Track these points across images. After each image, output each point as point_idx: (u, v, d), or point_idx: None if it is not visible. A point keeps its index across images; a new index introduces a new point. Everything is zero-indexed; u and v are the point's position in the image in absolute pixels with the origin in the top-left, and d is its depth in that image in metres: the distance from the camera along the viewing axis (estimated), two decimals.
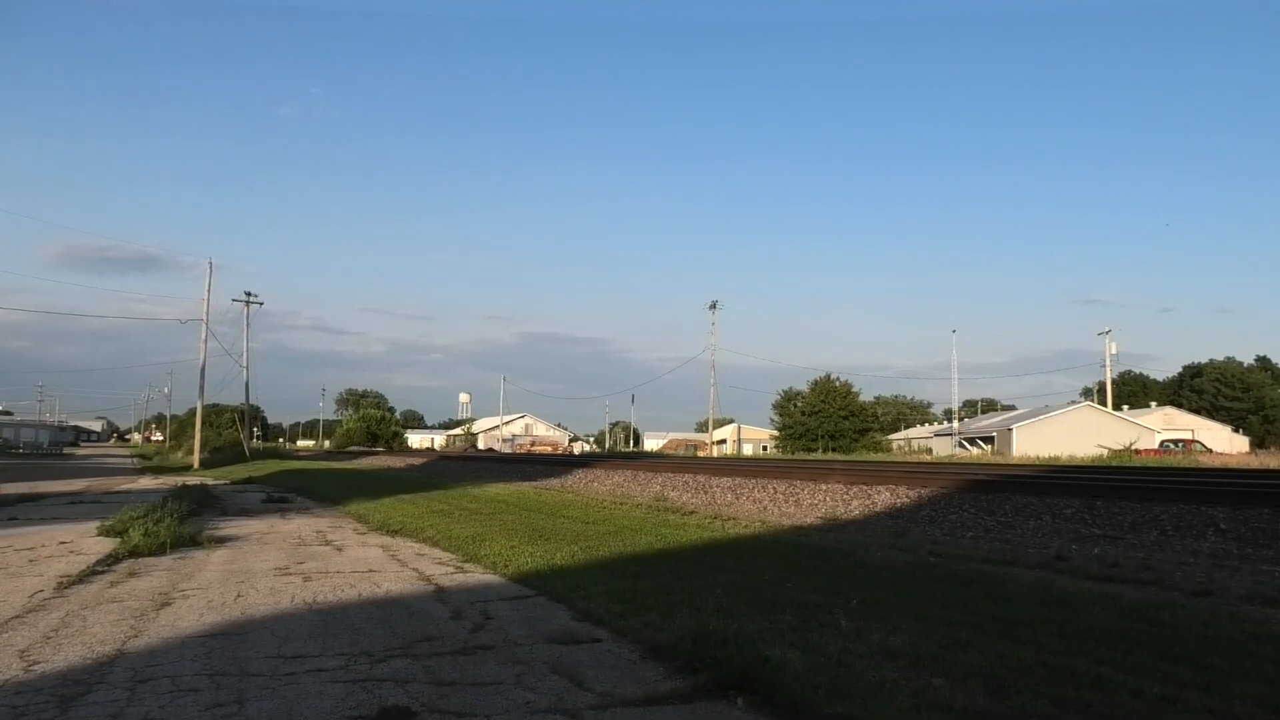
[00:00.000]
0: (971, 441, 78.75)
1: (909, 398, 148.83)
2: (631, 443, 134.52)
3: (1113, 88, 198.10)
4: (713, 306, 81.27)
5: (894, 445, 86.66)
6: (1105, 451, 49.04)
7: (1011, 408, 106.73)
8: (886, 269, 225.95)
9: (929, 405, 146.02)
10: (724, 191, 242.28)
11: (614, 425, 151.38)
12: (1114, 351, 76.31)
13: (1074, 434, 64.93)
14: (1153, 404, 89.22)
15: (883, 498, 14.63)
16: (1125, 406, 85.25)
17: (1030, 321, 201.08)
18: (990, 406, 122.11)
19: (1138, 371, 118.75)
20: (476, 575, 8.39)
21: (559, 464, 31.72)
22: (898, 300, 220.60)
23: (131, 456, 69.46)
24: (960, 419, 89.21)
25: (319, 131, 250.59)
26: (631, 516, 14.24)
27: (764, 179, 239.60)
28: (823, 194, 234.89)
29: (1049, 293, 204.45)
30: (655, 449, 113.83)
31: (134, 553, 9.77)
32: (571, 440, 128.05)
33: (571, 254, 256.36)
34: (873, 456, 62.86)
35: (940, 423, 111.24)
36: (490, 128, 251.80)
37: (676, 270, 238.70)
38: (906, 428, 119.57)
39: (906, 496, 14.47)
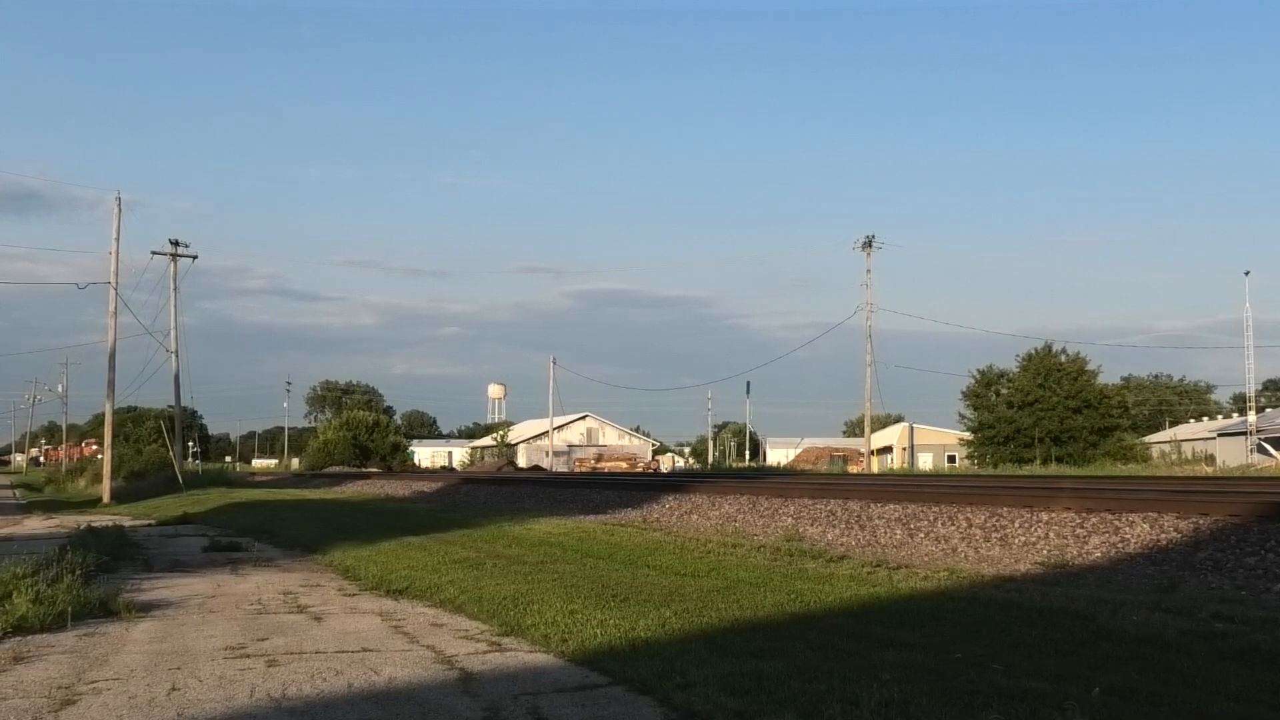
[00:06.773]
0: (1276, 443, 76.98)
1: (1177, 378, 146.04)
2: (748, 454, 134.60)
3: None
4: (867, 245, 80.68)
5: (1154, 451, 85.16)
6: None
7: None
8: (1133, 174, 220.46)
9: (1208, 389, 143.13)
10: (882, 71, 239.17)
11: (720, 428, 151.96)
12: None
13: None
14: None
15: (1138, 532, 14.42)
16: None
17: None
18: None
19: None
20: (521, 655, 8.50)
21: (639, 486, 31.86)
22: (1155, 224, 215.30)
23: (13, 486, 71.90)
24: (1259, 409, 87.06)
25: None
26: (750, 564, 14.25)
27: (939, 46, 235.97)
28: (1030, 62, 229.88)
29: None
30: (783, 463, 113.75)
31: (20, 628, 10.03)
32: (657, 452, 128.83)
33: (647, 173, 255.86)
34: (1120, 469, 61.84)
35: (1228, 415, 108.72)
36: None
37: (809, 191, 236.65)
38: (1174, 424, 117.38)
39: (1176, 530, 14.22)
